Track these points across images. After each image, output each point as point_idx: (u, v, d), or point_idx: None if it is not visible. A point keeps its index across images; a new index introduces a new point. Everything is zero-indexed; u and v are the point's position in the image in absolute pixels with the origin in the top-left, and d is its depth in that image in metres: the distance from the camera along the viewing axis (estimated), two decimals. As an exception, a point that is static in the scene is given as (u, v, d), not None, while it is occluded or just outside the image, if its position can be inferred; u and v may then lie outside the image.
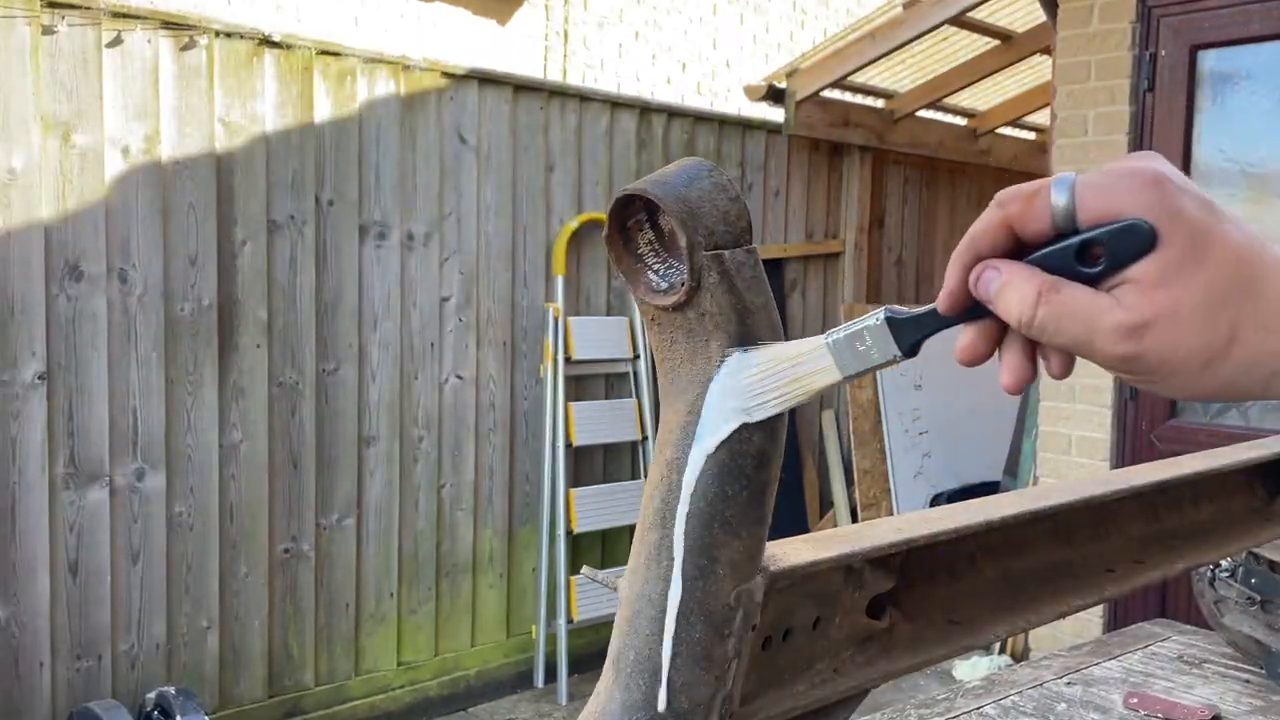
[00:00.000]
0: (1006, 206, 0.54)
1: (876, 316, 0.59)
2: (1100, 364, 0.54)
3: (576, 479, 4.53)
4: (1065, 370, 0.56)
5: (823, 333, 0.63)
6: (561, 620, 4.38)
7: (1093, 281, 0.52)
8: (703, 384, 0.66)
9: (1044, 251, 0.53)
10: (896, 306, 0.60)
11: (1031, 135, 6.75)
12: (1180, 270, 0.50)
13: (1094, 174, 0.52)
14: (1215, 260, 0.51)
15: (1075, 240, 0.52)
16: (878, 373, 5.60)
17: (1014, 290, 0.53)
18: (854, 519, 5.30)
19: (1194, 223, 0.51)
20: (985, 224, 0.55)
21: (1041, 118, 6.07)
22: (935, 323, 0.59)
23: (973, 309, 0.58)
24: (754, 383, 0.63)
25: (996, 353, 0.58)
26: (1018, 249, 0.55)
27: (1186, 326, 0.51)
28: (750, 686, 0.74)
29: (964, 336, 0.58)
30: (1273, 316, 0.51)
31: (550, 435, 4.38)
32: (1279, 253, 0.53)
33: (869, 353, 0.60)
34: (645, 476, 4.71)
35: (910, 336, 0.59)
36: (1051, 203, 0.52)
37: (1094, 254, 0.52)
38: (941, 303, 0.58)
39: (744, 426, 0.65)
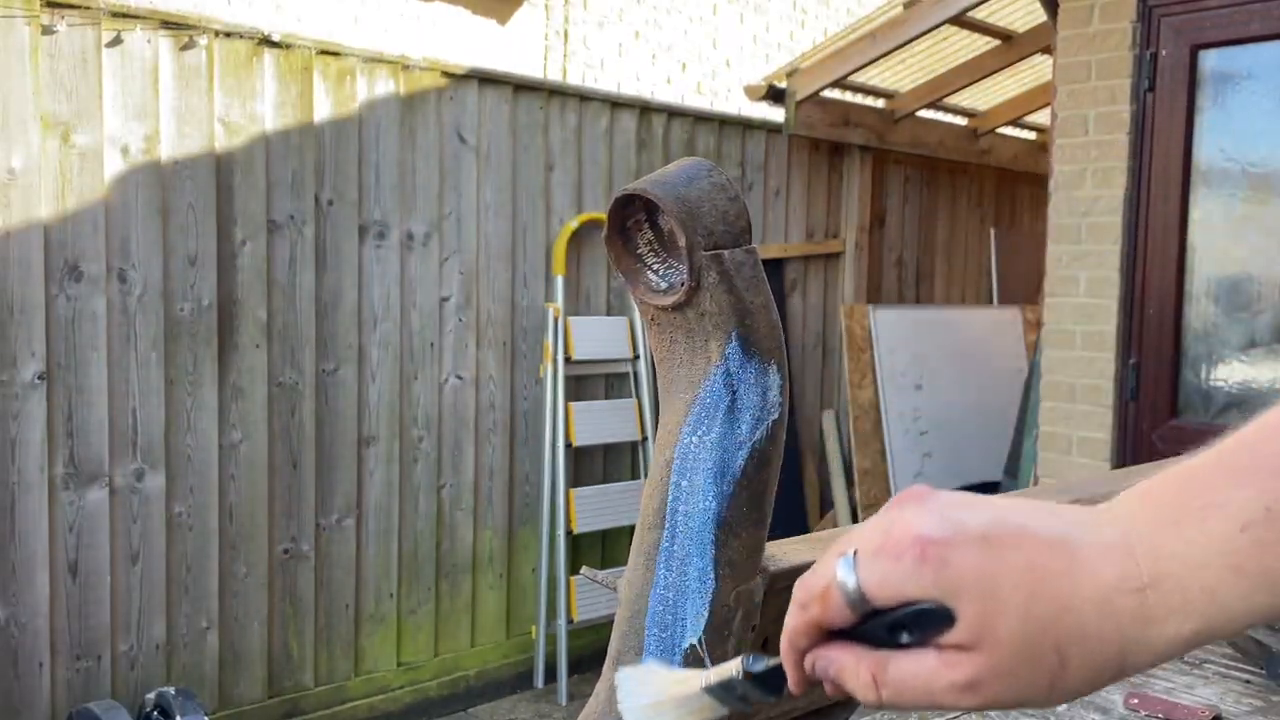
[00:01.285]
0: (809, 609, 0.55)
1: (737, 668, 0.59)
2: (955, 711, 0.56)
3: (576, 479, 4.52)
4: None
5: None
6: (561, 620, 4.38)
7: (912, 645, 0.53)
8: (702, 384, 0.66)
9: (861, 629, 0.54)
10: (754, 655, 0.60)
11: (1032, 135, 6.75)
12: (985, 631, 0.52)
13: (870, 549, 0.53)
14: (1013, 606, 0.52)
15: (884, 620, 0.53)
16: (877, 368, 5.50)
17: (850, 675, 0.55)
18: (854, 519, 5.30)
19: (978, 582, 0.52)
20: (796, 624, 0.56)
21: (1042, 118, 6.07)
22: (776, 684, 0.60)
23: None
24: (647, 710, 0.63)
25: None
26: (836, 632, 0.56)
27: (1014, 672, 0.52)
28: (750, 687, 0.74)
29: (828, 688, 0.58)
30: (1092, 629, 0.52)
31: (550, 435, 4.37)
32: (1080, 543, 0.53)
33: (745, 696, 0.60)
34: (645, 476, 4.71)
35: (776, 683, 0.59)
36: (844, 592, 0.53)
37: (903, 627, 0.53)
38: (793, 686, 0.58)
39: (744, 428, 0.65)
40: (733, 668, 0.60)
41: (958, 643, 0.52)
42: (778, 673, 0.59)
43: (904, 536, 0.52)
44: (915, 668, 0.53)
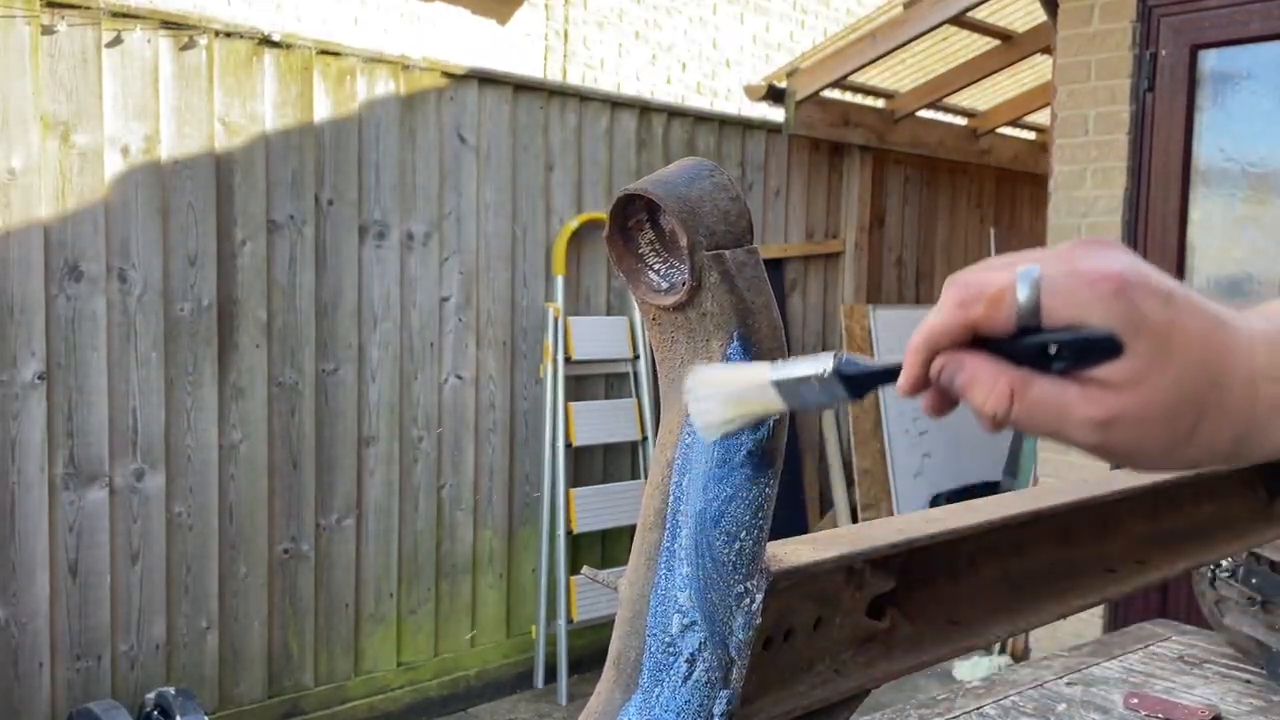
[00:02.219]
0: (970, 309, 0.54)
1: (826, 366, 0.58)
2: (1070, 443, 0.55)
3: (576, 479, 4.52)
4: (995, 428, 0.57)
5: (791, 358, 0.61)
6: (561, 620, 4.38)
7: (1057, 372, 0.53)
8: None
9: (1008, 343, 0.53)
10: (849, 356, 0.58)
11: (1032, 135, 6.75)
12: (1145, 375, 0.52)
13: (1058, 271, 0.53)
14: (1179, 363, 0.53)
15: (1042, 339, 0.52)
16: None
17: (983, 386, 0.54)
18: (854, 519, 5.30)
19: (1157, 328, 0.52)
20: (946, 323, 0.54)
21: (1042, 118, 6.07)
22: (888, 379, 0.58)
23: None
24: (702, 401, 0.62)
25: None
26: (977, 340, 0.55)
27: (1152, 423, 0.53)
28: (751, 687, 0.74)
29: (927, 399, 0.58)
30: (1232, 405, 0.54)
31: (550, 435, 4.37)
32: (1238, 327, 0.55)
33: (818, 395, 0.58)
34: (645, 476, 4.71)
35: (862, 388, 0.58)
36: (1018, 301, 0.53)
37: (1058, 353, 0.53)
38: (902, 388, 0.57)
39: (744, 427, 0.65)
40: (815, 365, 0.58)
41: (1113, 379, 0.52)
42: (869, 378, 0.58)
43: (1101, 268, 0.52)
44: (1058, 393, 0.53)
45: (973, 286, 0.54)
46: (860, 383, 0.58)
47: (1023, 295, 0.52)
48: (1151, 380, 0.52)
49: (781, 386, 0.59)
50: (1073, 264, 0.53)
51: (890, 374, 0.57)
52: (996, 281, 0.53)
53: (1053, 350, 0.52)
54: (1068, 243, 0.55)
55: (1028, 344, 0.52)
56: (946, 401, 0.57)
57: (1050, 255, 0.54)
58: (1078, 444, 0.54)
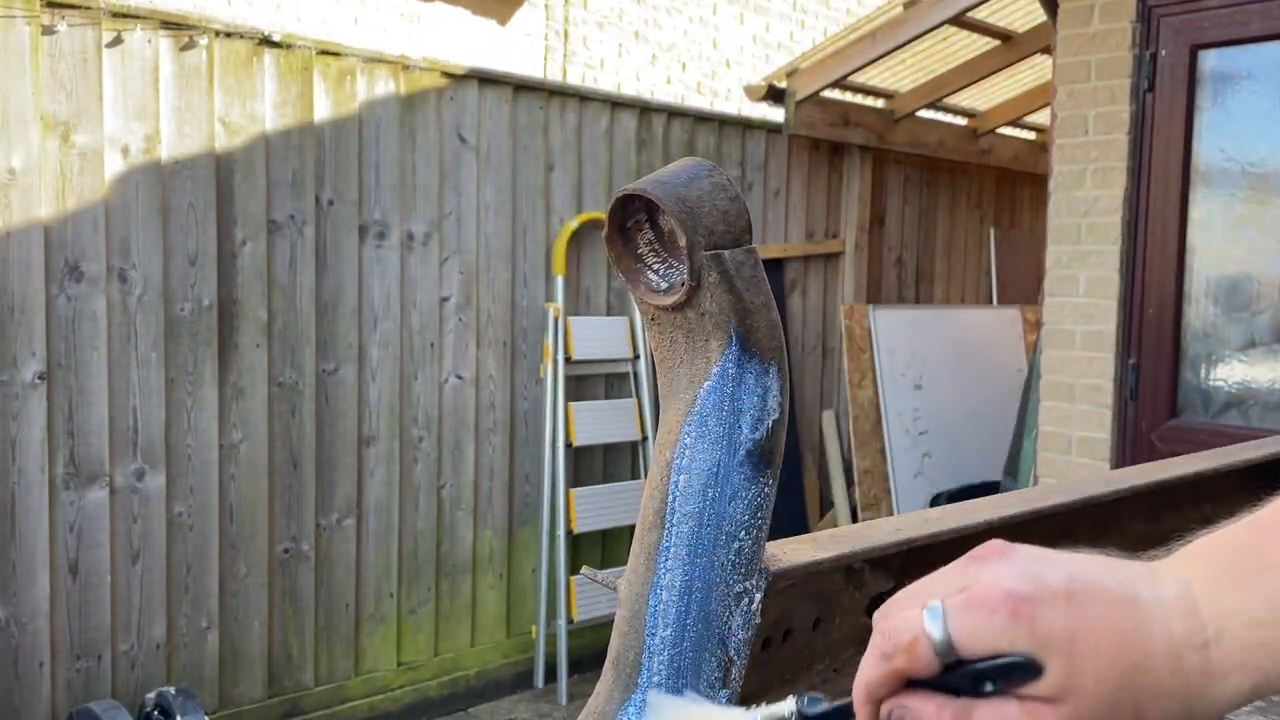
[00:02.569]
0: (893, 659, 0.56)
1: (789, 707, 0.60)
2: None
3: (576, 479, 4.52)
4: None
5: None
6: (561, 620, 4.38)
7: (993, 694, 0.55)
8: (702, 384, 0.66)
9: (942, 678, 0.55)
10: (812, 695, 0.60)
11: (1031, 135, 6.75)
12: (1068, 685, 0.53)
13: (957, 603, 0.54)
14: (1096, 665, 0.54)
15: (969, 670, 0.55)
16: (877, 368, 5.50)
17: None
18: (854, 519, 5.30)
19: (1064, 639, 0.54)
20: (877, 675, 0.56)
21: (1042, 118, 6.07)
22: (848, 717, 0.60)
23: None
24: None
25: None
26: (912, 682, 0.57)
27: (1100, 710, 0.54)
28: (751, 686, 0.74)
29: None
30: (1164, 683, 0.55)
31: (550, 435, 4.37)
32: (1148, 601, 0.56)
33: None
34: (645, 476, 4.71)
35: None
36: (933, 643, 0.54)
37: (988, 678, 0.54)
38: None
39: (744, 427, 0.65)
40: (784, 709, 0.60)
41: (1043, 694, 0.54)
42: (836, 715, 0.59)
43: (993, 591, 0.54)
44: (1000, 715, 0.54)
45: (890, 636, 0.56)
46: None
47: (936, 635, 0.54)
48: (1078, 686, 0.53)
49: None
50: (970, 589, 0.55)
51: (846, 710, 0.59)
52: (910, 628, 0.55)
53: (980, 677, 0.54)
54: (967, 555, 0.57)
55: (958, 676, 0.55)
56: None
57: (952, 576, 0.56)
58: None
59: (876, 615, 0.58)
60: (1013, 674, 0.54)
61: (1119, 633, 0.54)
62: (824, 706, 0.59)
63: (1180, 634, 0.55)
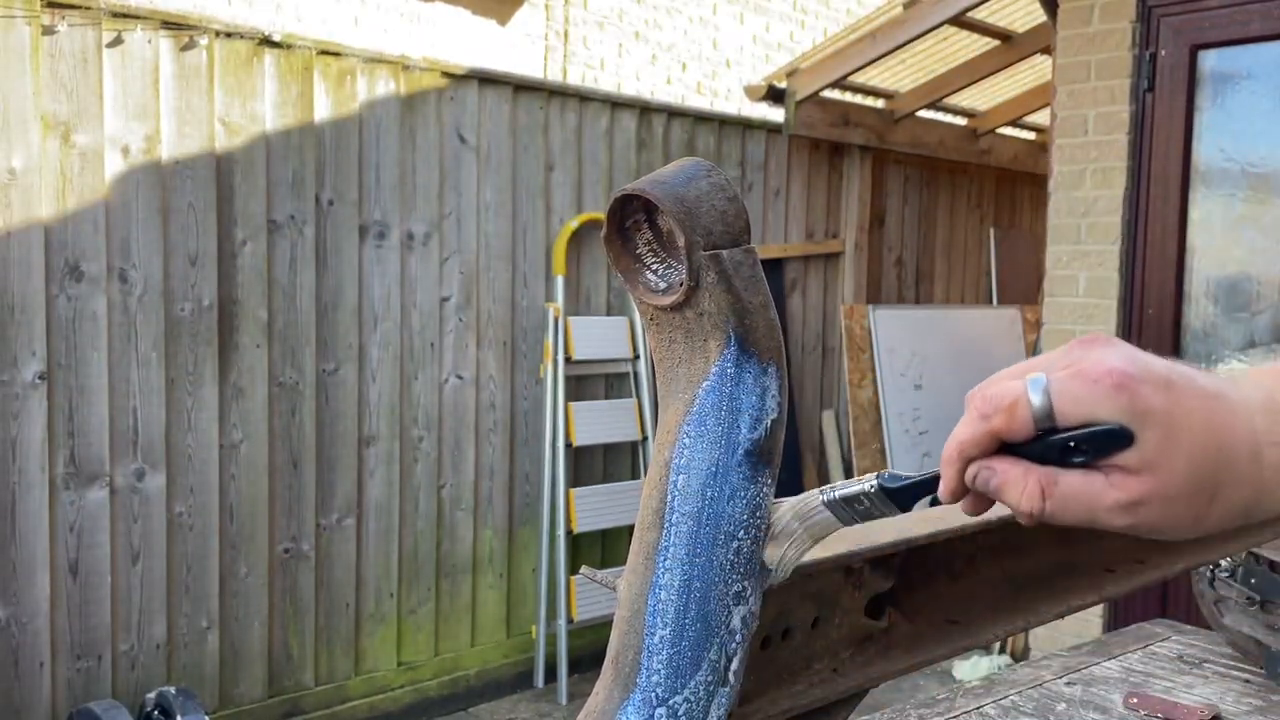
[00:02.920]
0: (991, 420, 0.59)
1: (871, 483, 0.63)
2: (1105, 526, 0.60)
3: (576, 479, 4.53)
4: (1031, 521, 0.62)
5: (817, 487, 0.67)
6: (561, 620, 4.38)
7: (1080, 466, 0.58)
8: (700, 384, 0.66)
9: (1032, 446, 0.58)
10: (891, 473, 0.63)
11: (1031, 135, 6.75)
12: (1159, 459, 0.57)
13: (1063, 374, 0.58)
14: (1187, 442, 0.57)
15: (1060, 438, 0.57)
16: (877, 368, 5.51)
17: (1016, 487, 0.59)
18: (854, 519, 5.29)
19: (1161, 415, 0.57)
20: (972, 434, 0.59)
21: (1041, 118, 6.07)
22: (929, 489, 0.63)
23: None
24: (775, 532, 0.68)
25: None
26: (1004, 446, 0.60)
27: (1175, 500, 0.58)
28: (750, 686, 0.74)
29: (966, 503, 0.63)
30: (1242, 473, 0.59)
31: (550, 435, 4.37)
32: (1235, 399, 0.60)
33: (870, 510, 0.64)
34: (645, 476, 4.71)
35: (908, 499, 0.63)
36: (1032, 409, 0.58)
37: (1078, 449, 0.57)
38: (943, 496, 0.62)
39: (743, 428, 0.65)
40: (862, 483, 0.63)
41: (1131, 465, 0.57)
42: (912, 490, 0.62)
43: (1099, 366, 0.57)
44: (1084, 484, 0.58)
45: (990, 399, 0.59)
46: (903, 495, 0.63)
47: (1036, 401, 0.57)
48: (1166, 462, 0.57)
49: (834, 507, 0.64)
50: (1076, 365, 0.58)
51: (931, 484, 0.62)
52: (1011, 392, 0.58)
53: (1072, 446, 0.57)
54: (1070, 343, 0.60)
55: (1048, 444, 0.58)
56: (986, 503, 0.61)
57: (1055, 358, 0.60)
58: (1111, 527, 0.59)
59: (973, 391, 0.60)
60: (1105, 442, 0.56)
61: (1209, 420, 0.58)
62: (905, 479, 0.62)
63: (1263, 429, 0.59)
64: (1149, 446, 0.57)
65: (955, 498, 0.62)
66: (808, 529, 0.66)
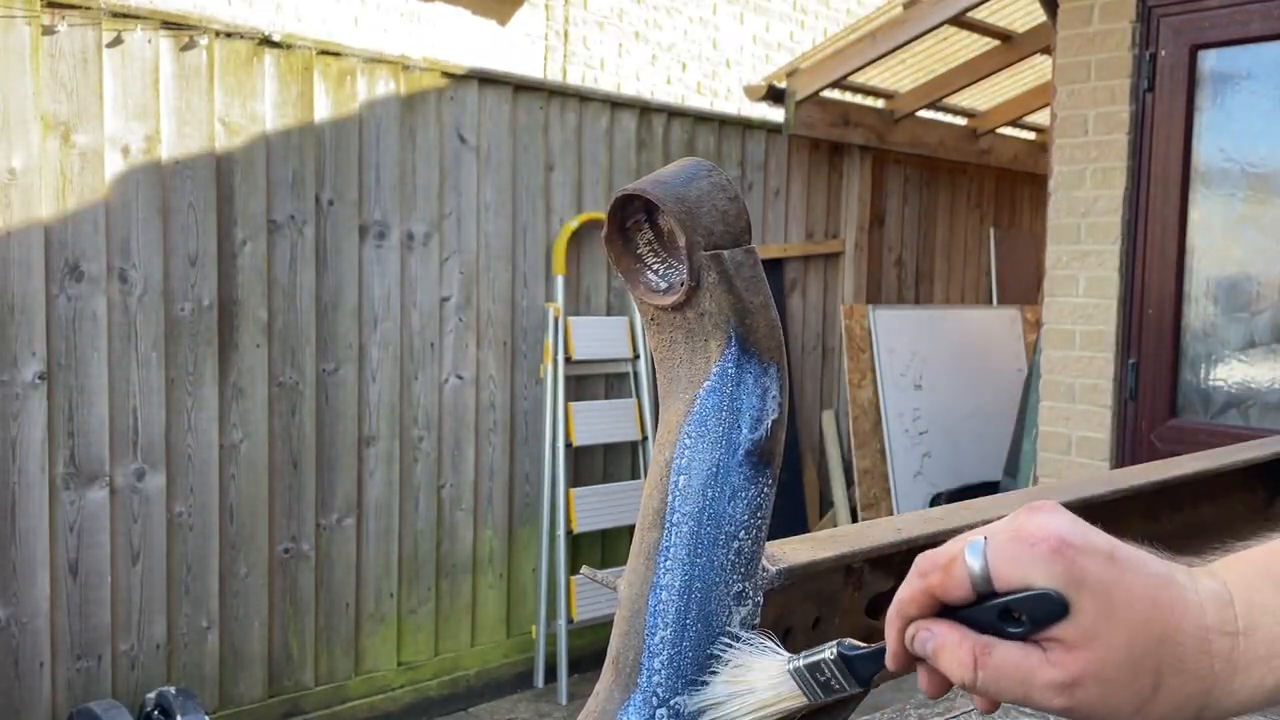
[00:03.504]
0: (928, 577, 0.57)
1: (831, 650, 0.62)
2: (1042, 712, 0.57)
3: (576, 479, 4.52)
4: (990, 708, 0.59)
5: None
6: (561, 620, 4.38)
7: (1018, 637, 0.56)
8: (701, 384, 0.66)
9: (970, 610, 0.57)
10: (849, 641, 0.63)
11: (1031, 135, 6.75)
12: (1095, 632, 0.54)
13: (1003, 538, 0.56)
14: (1126, 619, 0.54)
15: (997, 603, 0.55)
16: (877, 368, 5.51)
17: (950, 653, 0.57)
18: (854, 519, 5.30)
19: (1099, 587, 0.54)
20: (910, 592, 0.58)
21: (1041, 118, 6.07)
22: (880, 656, 0.62)
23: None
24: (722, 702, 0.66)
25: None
26: (944, 610, 0.58)
27: (1113, 681, 0.54)
28: (750, 686, 0.74)
29: (920, 678, 0.60)
30: (1189, 662, 0.55)
31: (550, 435, 4.37)
32: (1186, 585, 0.57)
33: (829, 682, 0.63)
34: (645, 476, 4.69)
35: (865, 670, 0.62)
36: (969, 570, 0.56)
37: (1015, 615, 0.55)
38: (889, 662, 0.60)
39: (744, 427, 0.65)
40: (820, 653, 0.62)
41: (1068, 638, 0.54)
42: (870, 660, 0.61)
43: (1040, 531, 0.55)
44: (1020, 657, 0.55)
45: (929, 558, 0.58)
46: (860, 664, 0.62)
47: (974, 564, 0.55)
48: (1103, 637, 0.54)
49: (799, 675, 0.63)
50: (1016, 529, 0.56)
51: (883, 653, 0.61)
52: (949, 552, 0.57)
53: (1009, 615, 0.55)
54: (1017, 510, 0.58)
55: (983, 609, 0.56)
56: (938, 678, 0.59)
57: (999, 525, 0.57)
58: (1045, 708, 0.56)
59: (918, 557, 0.59)
60: (1040, 608, 0.54)
61: (1153, 600, 0.55)
62: (863, 650, 0.62)
63: (1213, 618, 0.56)
64: (1086, 618, 0.54)
65: (898, 663, 0.60)
66: (767, 701, 0.64)
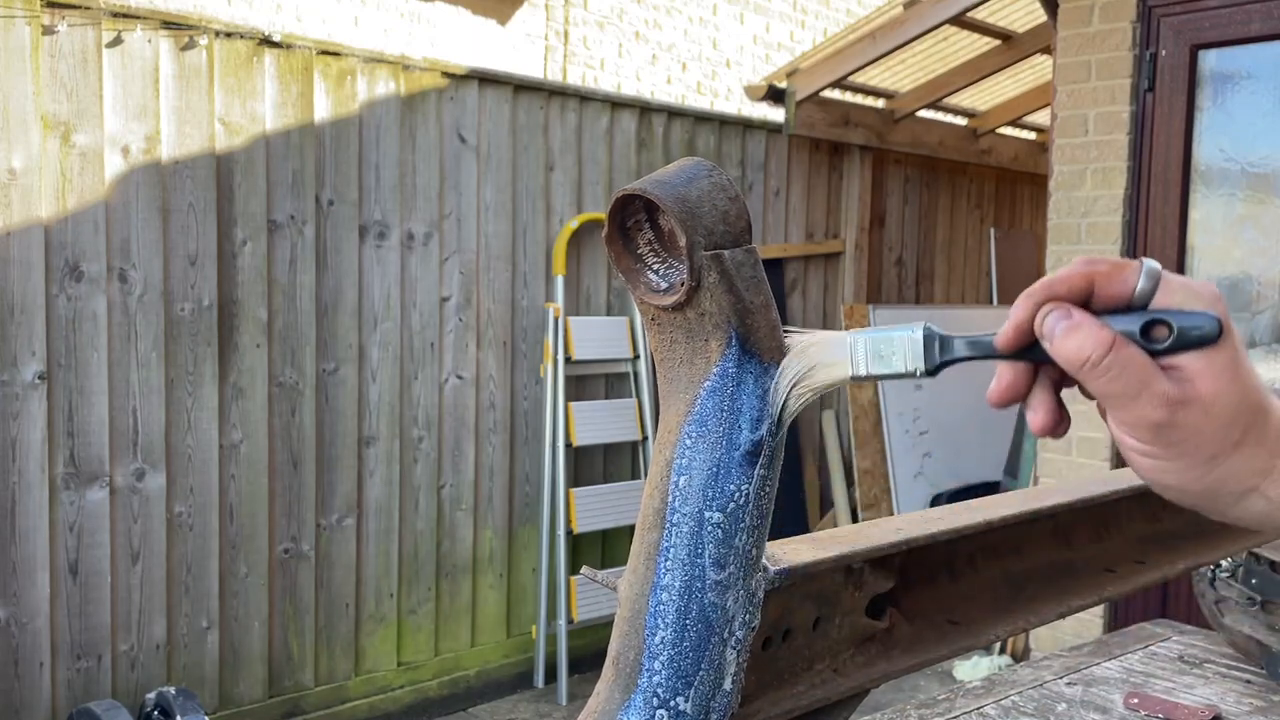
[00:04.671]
0: (1095, 265, 0.59)
1: (914, 329, 0.62)
2: (1128, 425, 0.59)
3: (576, 479, 4.52)
4: (1055, 424, 0.63)
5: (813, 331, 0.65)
6: (561, 620, 4.38)
7: (1150, 353, 0.58)
8: (702, 384, 0.66)
9: (1117, 315, 0.59)
10: (936, 325, 0.63)
11: (1032, 135, 6.75)
12: (1225, 372, 0.58)
13: (1173, 275, 0.60)
14: (1245, 375, 0.59)
15: (1148, 315, 0.58)
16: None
17: (1086, 333, 0.58)
18: (854, 519, 5.30)
19: (1238, 342, 0.59)
20: (1067, 273, 0.60)
21: (1042, 118, 6.07)
22: (971, 351, 0.62)
23: (1023, 351, 0.61)
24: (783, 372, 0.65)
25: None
26: (1085, 307, 0.60)
27: (1215, 419, 0.58)
28: (750, 687, 0.74)
29: (1003, 378, 0.62)
30: (1269, 436, 0.60)
31: (550, 435, 4.37)
32: (1272, 395, 0.62)
33: (890, 359, 0.62)
34: (645, 476, 4.70)
35: (941, 356, 0.62)
36: (1140, 275, 0.58)
37: (1156, 335, 0.58)
38: (1003, 335, 0.61)
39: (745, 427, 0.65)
40: (899, 330, 0.62)
41: (1195, 370, 0.58)
42: (952, 346, 0.62)
43: (1207, 285, 0.60)
44: (1145, 361, 0.58)
45: (1101, 257, 0.60)
46: (943, 346, 0.62)
47: (1143, 281, 0.58)
48: (1227, 379, 0.58)
49: (856, 346, 0.62)
50: (1184, 278, 0.60)
51: (975, 343, 0.62)
52: (1125, 260, 0.60)
53: (1151, 335, 0.58)
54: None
55: (1132, 317, 0.58)
56: (1022, 382, 0.61)
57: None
58: (1142, 419, 0.58)
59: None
60: (1196, 327, 0.57)
61: (1259, 377, 0.60)
62: (951, 337, 0.62)
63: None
64: (1220, 357, 0.58)
65: (1007, 343, 0.61)
66: (814, 367, 0.64)
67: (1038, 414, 0.62)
